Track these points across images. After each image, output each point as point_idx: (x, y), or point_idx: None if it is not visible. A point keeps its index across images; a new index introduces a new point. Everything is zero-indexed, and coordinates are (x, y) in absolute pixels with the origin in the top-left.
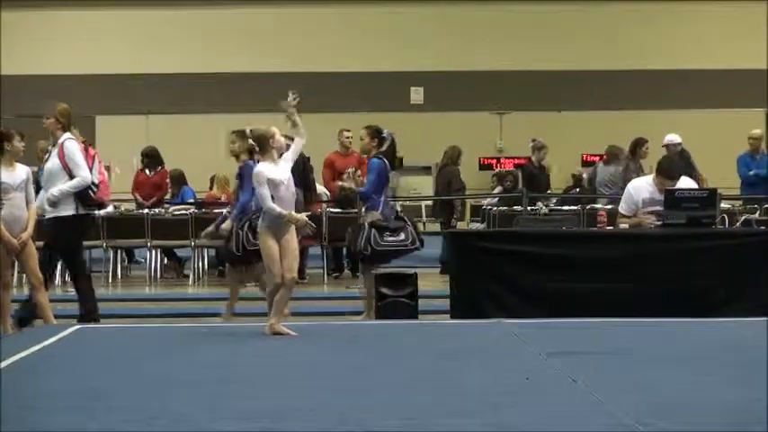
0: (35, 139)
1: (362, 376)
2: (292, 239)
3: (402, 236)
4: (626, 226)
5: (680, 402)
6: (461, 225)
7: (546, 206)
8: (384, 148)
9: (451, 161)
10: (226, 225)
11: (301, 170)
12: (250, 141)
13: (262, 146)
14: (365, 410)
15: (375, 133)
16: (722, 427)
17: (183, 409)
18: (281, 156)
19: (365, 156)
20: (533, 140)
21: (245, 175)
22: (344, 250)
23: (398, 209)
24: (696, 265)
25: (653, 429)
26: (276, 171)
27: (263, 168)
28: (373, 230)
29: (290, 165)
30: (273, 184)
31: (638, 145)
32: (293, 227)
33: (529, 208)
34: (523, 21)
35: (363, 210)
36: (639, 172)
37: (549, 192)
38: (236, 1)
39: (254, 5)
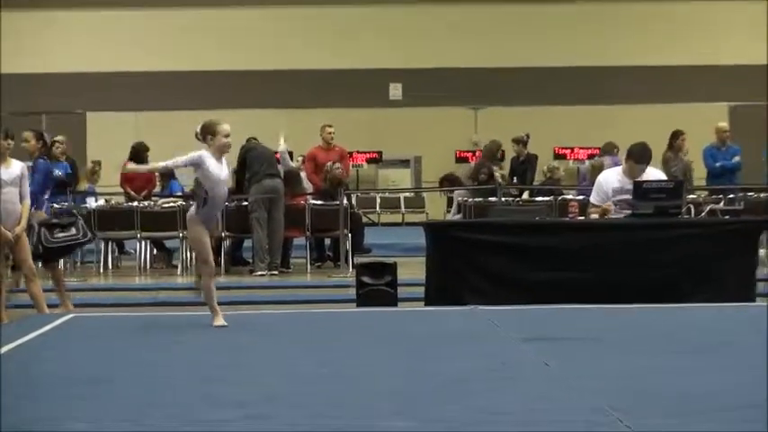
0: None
1: (345, 362)
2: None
3: (73, 230)
4: (596, 216)
5: (647, 385)
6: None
7: (515, 199)
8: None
9: (487, 156)
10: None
11: (276, 163)
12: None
13: (205, 136)
14: (351, 395)
15: (39, 135)
16: (685, 409)
17: (176, 395)
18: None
19: (30, 156)
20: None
21: (36, 171)
22: (327, 241)
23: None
24: (663, 253)
25: (621, 411)
26: (215, 166)
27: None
28: (43, 229)
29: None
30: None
31: (675, 137)
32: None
33: (503, 199)
34: (497, 19)
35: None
36: (680, 162)
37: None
38: (221, 2)
39: (239, 6)
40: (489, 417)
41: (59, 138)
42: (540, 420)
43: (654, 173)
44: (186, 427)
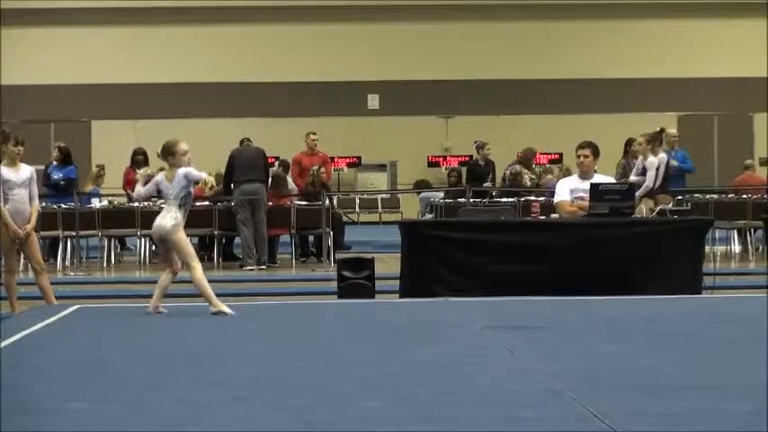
0: (39, 142)
1: (324, 349)
2: None
3: None
4: (573, 210)
5: (602, 369)
6: None
7: (482, 201)
8: None
9: (522, 161)
10: None
11: (262, 166)
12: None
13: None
14: (327, 379)
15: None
16: (633, 388)
17: (168, 376)
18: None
19: None
20: (476, 141)
21: None
22: (310, 238)
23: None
24: (617, 249)
25: (577, 392)
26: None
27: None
28: None
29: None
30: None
31: (629, 144)
32: None
33: (471, 200)
34: (466, 37)
35: None
36: (633, 167)
37: (494, 184)
38: (214, 20)
39: (231, 23)
40: (451, 398)
41: (59, 144)
42: (501, 402)
43: (604, 178)
44: (176, 407)
